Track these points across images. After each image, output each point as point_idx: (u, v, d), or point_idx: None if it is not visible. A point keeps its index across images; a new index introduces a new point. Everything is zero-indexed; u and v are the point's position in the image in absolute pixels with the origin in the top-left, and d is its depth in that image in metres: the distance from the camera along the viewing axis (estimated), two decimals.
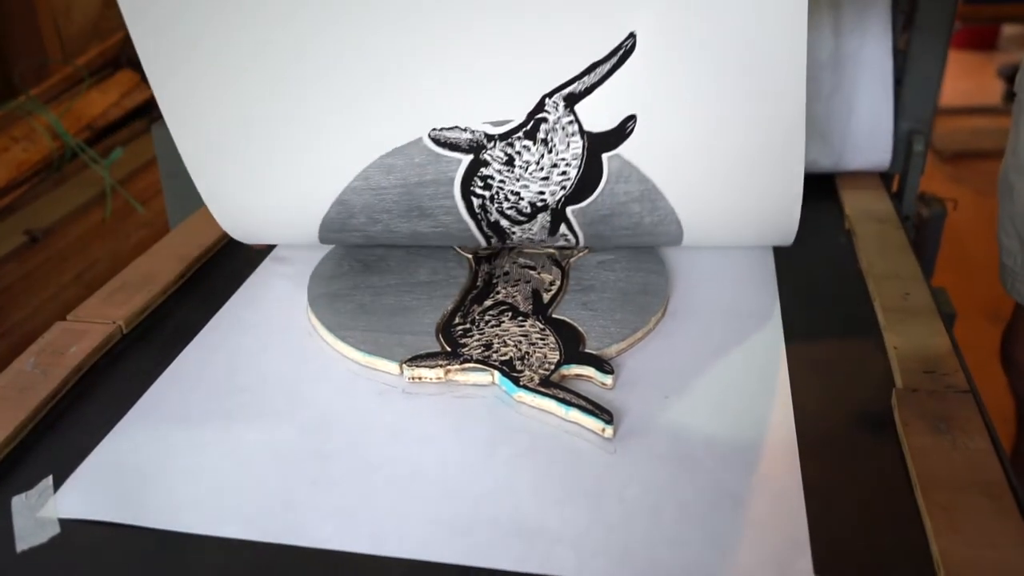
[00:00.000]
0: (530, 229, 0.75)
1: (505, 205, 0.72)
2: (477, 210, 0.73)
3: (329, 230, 0.77)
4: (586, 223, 0.74)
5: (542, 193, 0.72)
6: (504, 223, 0.74)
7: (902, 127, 0.95)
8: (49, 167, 1.55)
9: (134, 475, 0.56)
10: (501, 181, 0.71)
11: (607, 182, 0.71)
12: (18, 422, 0.60)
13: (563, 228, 0.74)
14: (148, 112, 1.83)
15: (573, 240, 0.76)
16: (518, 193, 0.72)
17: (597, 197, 0.72)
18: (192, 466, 0.57)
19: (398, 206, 0.74)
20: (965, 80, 3.31)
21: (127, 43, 1.88)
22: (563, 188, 0.71)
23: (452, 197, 0.72)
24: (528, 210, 0.73)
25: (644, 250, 0.79)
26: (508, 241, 0.77)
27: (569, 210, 0.73)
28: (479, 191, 0.72)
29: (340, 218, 0.75)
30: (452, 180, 0.72)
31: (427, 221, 0.75)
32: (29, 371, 0.65)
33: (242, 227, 0.80)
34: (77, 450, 0.58)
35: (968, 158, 2.64)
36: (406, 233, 0.77)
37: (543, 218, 0.73)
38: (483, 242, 0.77)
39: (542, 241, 0.77)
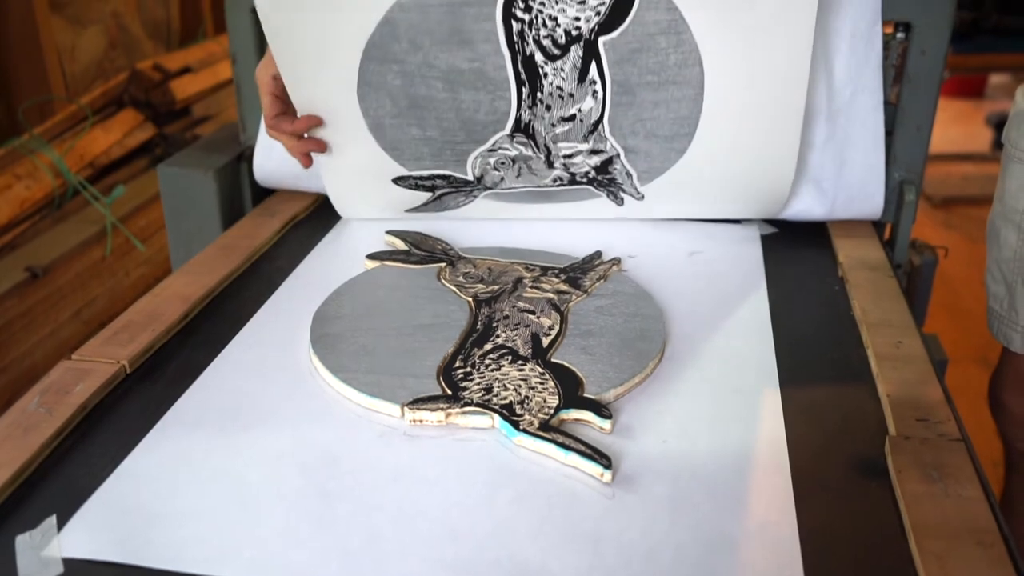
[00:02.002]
0: (562, 69, 0.79)
1: (542, 32, 0.78)
2: (515, 37, 0.78)
3: (370, 59, 0.81)
4: (615, 61, 0.80)
5: (577, 20, 0.77)
6: (539, 57, 0.79)
7: (894, 177, 0.97)
8: (51, 204, 1.56)
9: (138, 515, 0.56)
10: (541, 3, 0.77)
11: (638, 9, 0.77)
12: (22, 461, 0.60)
13: (593, 71, 0.80)
14: (150, 150, 1.85)
15: (600, 91, 0.82)
16: (556, 19, 0.77)
17: (628, 26, 0.77)
18: (195, 506, 0.57)
19: (440, 28, 0.78)
20: (955, 127, 3.36)
21: (131, 82, 1.91)
22: (597, 13, 0.77)
23: (493, 19, 0.78)
24: (563, 40, 0.78)
25: (642, 296, 0.80)
26: (538, 91, 0.82)
27: (601, 41, 0.78)
28: (519, 14, 0.77)
29: (383, 42, 0.79)
30: (495, 1, 0.77)
31: (466, 52, 0.79)
32: (33, 410, 0.65)
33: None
34: (81, 489, 0.58)
35: (959, 204, 2.67)
36: (443, 69, 0.81)
37: (575, 53, 0.79)
38: (513, 87, 0.82)
39: (571, 96, 0.82)
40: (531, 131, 0.86)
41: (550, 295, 0.80)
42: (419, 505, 0.57)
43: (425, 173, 0.92)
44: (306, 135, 0.89)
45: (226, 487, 0.59)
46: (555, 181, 0.91)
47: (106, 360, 0.71)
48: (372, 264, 0.88)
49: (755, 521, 0.55)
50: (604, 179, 0.91)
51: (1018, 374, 0.94)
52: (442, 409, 0.64)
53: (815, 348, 0.76)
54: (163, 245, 1.46)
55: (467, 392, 0.66)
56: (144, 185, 1.72)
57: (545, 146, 0.86)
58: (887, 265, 0.87)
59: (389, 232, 0.94)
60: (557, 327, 0.74)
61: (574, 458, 0.60)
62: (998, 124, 2.69)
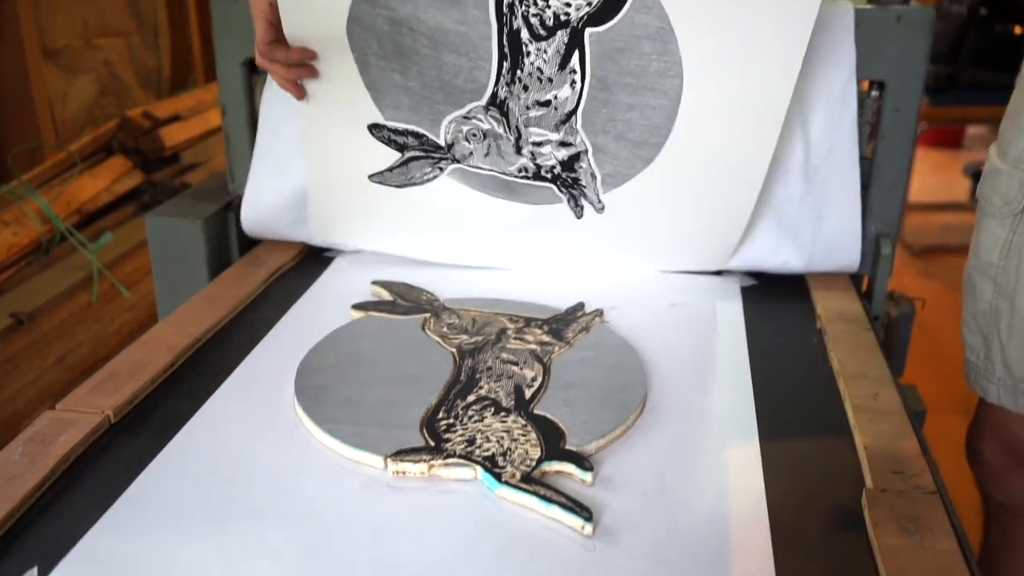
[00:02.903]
0: (545, 51, 0.80)
1: (532, 10, 0.79)
2: (505, 9, 0.79)
3: (362, 0, 0.81)
4: (597, 56, 0.80)
5: (568, 5, 0.78)
6: (525, 34, 0.79)
7: (870, 230, 0.99)
8: (38, 250, 1.57)
9: (120, 568, 0.56)
10: None
11: (630, 8, 0.78)
12: (5, 512, 0.60)
13: (575, 60, 0.81)
14: (138, 197, 1.86)
15: (579, 82, 0.82)
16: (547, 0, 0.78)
17: (616, 23, 0.78)
18: (178, 559, 0.57)
19: None
20: (933, 177, 3.42)
21: (120, 129, 1.92)
22: (589, 4, 0.78)
23: None
24: (551, 22, 0.79)
25: (624, 348, 0.81)
26: (519, 69, 0.82)
27: (588, 32, 0.79)
28: None
29: None
30: None
31: (455, 13, 0.80)
32: (17, 460, 0.65)
33: None
34: (63, 541, 0.58)
35: (938, 253, 2.71)
36: (430, 26, 0.82)
37: (561, 38, 0.79)
38: (495, 60, 0.83)
39: (549, 80, 0.82)
40: (505, 108, 0.86)
41: (533, 347, 0.81)
42: (401, 559, 0.57)
43: (400, 127, 0.91)
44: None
45: (209, 540, 0.59)
46: (520, 171, 0.91)
47: (90, 410, 0.72)
48: (357, 314, 0.88)
49: (734, 574, 0.56)
50: (568, 178, 0.91)
51: (994, 425, 0.95)
52: (425, 461, 0.65)
53: (794, 400, 0.77)
54: (149, 291, 1.46)
55: (450, 444, 0.66)
56: (131, 231, 1.73)
57: (516, 128, 0.87)
58: (864, 317, 0.89)
59: (375, 282, 0.95)
60: (540, 379, 0.75)
61: (556, 511, 0.60)
62: (975, 174, 2.74)
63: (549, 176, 0.92)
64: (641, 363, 0.79)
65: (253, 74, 1.05)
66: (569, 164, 0.90)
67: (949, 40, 2.64)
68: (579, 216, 0.95)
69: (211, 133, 2.10)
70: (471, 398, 0.72)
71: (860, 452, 0.67)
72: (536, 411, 0.71)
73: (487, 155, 0.91)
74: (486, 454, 0.65)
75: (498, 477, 0.63)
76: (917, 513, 0.60)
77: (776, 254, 0.96)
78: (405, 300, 0.91)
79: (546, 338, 0.82)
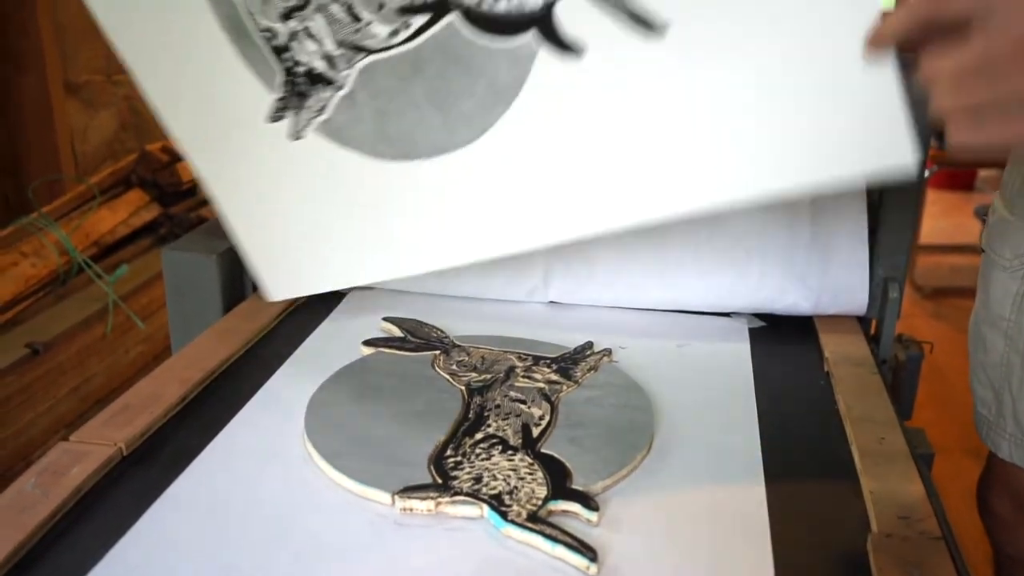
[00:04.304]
0: None
1: None
2: None
3: None
4: None
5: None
6: None
7: (878, 274, 1.00)
8: (55, 281, 1.59)
9: None
10: None
11: None
12: (16, 543, 0.61)
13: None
14: (155, 230, 1.89)
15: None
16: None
17: None
18: None
19: None
20: (944, 219, 3.42)
21: (139, 163, 1.96)
22: None
23: None
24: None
25: (632, 388, 0.82)
26: None
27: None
28: None
29: None
30: None
31: None
32: (30, 491, 0.66)
33: None
34: (73, 573, 0.59)
35: (948, 295, 2.71)
36: None
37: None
38: None
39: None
40: None
41: (541, 385, 0.81)
42: None
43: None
44: None
45: (217, 573, 0.59)
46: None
47: (103, 442, 0.73)
48: (368, 350, 0.90)
49: None
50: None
51: (1006, 478, 0.95)
52: (432, 498, 0.65)
53: (801, 443, 0.77)
54: (163, 323, 1.48)
55: (457, 481, 0.67)
56: (147, 264, 1.75)
57: None
58: (871, 361, 0.89)
59: (386, 319, 0.96)
60: (547, 417, 0.76)
61: (561, 550, 0.60)
62: (985, 217, 2.75)
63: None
64: (649, 403, 0.79)
65: None
66: None
67: None
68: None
69: None
70: (479, 435, 0.73)
71: (866, 496, 0.68)
72: (543, 450, 0.71)
73: (335, 32, 0.70)
74: (493, 492, 0.66)
75: (504, 516, 0.63)
76: (922, 559, 0.60)
77: (784, 296, 0.97)
78: (415, 337, 0.92)
79: (554, 377, 0.83)
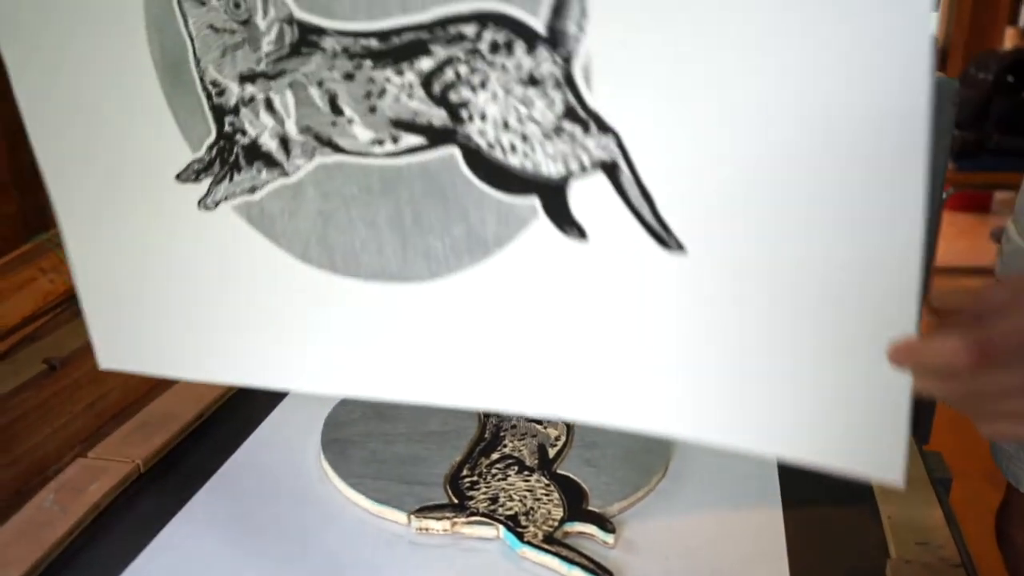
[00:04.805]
0: None
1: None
2: None
3: None
4: None
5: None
6: None
7: None
8: (72, 298, 1.60)
9: None
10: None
11: None
12: (34, 559, 0.61)
13: None
14: None
15: None
16: None
17: None
18: None
19: None
20: (961, 241, 3.41)
21: None
22: None
23: None
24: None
25: None
26: None
27: None
28: None
29: None
30: None
31: None
32: (48, 507, 0.67)
33: None
34: None
35: None
36: None
37: None
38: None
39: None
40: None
41: None
42: None
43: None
44: None
45: None
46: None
47: (121, 459, 0.73)
48: None
49: None
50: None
51: None
52: (448, 518, 0.65)
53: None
54: None
55: (473, 501, 0.67)
56: None
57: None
58: None
59: None
60: (564, 438, 0.76)
61: (577, 572, 0.60)
62: (1000, 241, 2.74)
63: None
64: None
65: None
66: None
67: (975, 107, 2.67)
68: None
69: None
70: (495, 456, 0.73)
71: (884, 521, 0.67)
72: (559, 470, 0.71)
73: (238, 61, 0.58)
74: (509, 513, 0.65)
75: (520, 537, 0.63)
76: None
77: None
78: None
79: None
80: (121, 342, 0.77)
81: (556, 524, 0.64)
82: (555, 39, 0.49)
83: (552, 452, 0.74)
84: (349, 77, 0.55)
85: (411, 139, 0.55)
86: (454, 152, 0.55)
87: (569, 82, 0.50)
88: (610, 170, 0.51)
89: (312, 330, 0.64)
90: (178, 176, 0.62)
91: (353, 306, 0.62)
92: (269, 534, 0.66)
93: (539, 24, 0.49)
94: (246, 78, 0.58)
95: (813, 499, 0.72)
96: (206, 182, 0.62)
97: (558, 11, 0.48)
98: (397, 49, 0.53)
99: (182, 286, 0.67)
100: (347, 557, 0.63)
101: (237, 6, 0.55)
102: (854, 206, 0.47)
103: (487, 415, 0.79)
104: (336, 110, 0.56)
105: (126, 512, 0.69)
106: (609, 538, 0.64)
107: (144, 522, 0.67)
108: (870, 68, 0.43)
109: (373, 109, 0.55)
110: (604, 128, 0.51)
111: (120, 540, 0.65)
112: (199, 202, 0.63)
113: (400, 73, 0.53)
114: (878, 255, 0.47)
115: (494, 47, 0.51)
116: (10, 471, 0.74)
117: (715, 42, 0.46)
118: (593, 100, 0.50)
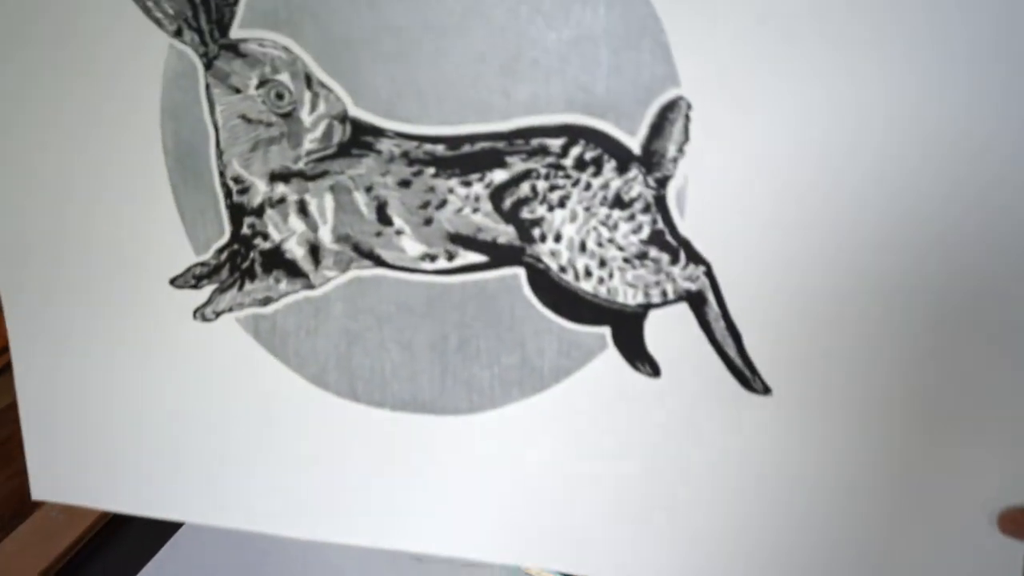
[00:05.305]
0: None
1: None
2: None
3: None
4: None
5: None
6: None
7: None
8: None
9: None
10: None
11: None
12: (40, 569, 0.61)
13: None
14: None
15: None
16: None
17: None
18: None
19: None
20: None
21: None
22: None
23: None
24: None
25: None
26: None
27: None
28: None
29: None
30: None
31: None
32: (55, 517, 0.67)
33: None
34: None
35: None
36: None
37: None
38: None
39: None
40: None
41: None
42: None
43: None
44: None
45: None
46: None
47: None
48: None
49: None
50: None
51: None
52: None
53: None
54: None
55: None
56: None
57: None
58: None
59: None
60: None
61: None
62: None
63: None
64: None
65: None
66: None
67: None
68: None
69: None
70: None
71: None
72: None
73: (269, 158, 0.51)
74: None
75: None
76: None
77: None
78: None
79: None
80: (64, 469, 0.60)
81: None
82: (651, 160, 0.45)
83: None
84: (405, 184, 0.49)
85: (469, 256, 0.50)
86: (518, 273, 0.49)
87: (661, 206, 0.46)
88: (696, 302, 0.48)
89: (318, 464, 0.56)
90: (173, 281, 0.54)
91: (373, 439, 0.55)
92: (277, 546, 0.65)
93: (635, 143, 0.45)
94: (278, 176, 0.51)
95: None
96: (208, 289, 0.54)
97: (658, 131, 0.45)
98: (467, 158, 0.47)
99: (159, 410, 0.57)
100: (354, 573, 0.63)
101: (280, 96, 0.49)
102: None
103: None
104: (384, 219, 0.50)
105: (133, 521, 0.68)
106: None
107: (151, 531, 0.66)
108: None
109: (429, 221, 0.50)
110: (694, 257, 0.47)
111: (127, 550, 0.65)
112: (196, 312, 0.55)
113: (467, 184, 0.48)
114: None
115: (580, 164, 0.46)
116: (15, 482, 0.73)
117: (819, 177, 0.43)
118: (684, 227, 0.46)
